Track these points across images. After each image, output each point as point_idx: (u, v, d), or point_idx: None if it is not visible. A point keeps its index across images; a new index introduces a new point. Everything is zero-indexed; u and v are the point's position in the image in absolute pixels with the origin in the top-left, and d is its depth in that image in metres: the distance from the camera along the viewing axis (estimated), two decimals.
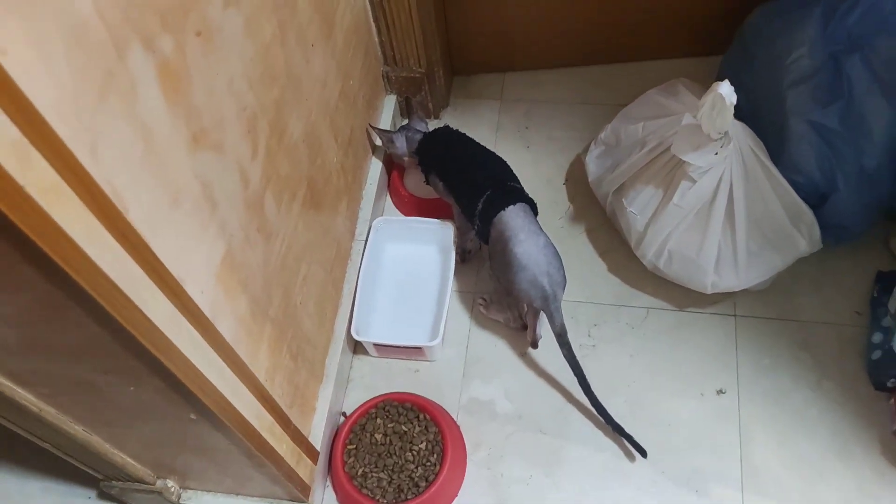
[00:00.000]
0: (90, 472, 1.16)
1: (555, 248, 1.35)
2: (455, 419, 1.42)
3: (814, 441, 1.36)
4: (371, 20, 1.58)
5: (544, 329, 1.45)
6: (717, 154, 1.27)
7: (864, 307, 1.48)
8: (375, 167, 1.66)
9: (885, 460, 1.33)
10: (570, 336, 1.35)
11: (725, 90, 1.12)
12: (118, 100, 0.68)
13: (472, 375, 1.48)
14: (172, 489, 1.24)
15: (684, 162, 1.31)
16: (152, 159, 0.74)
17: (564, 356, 1.35)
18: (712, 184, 1.31)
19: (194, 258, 0.84)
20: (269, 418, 1.06)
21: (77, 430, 0.98)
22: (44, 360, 0.78)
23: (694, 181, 1.31)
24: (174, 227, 0.79)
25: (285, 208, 1.14)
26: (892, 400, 1.37)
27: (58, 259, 0.57)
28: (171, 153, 0.78)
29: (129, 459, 1.12)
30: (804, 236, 1.38)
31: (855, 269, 1.53)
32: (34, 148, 0.53)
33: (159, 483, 1.21)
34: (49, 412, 0.92)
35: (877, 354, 1.39)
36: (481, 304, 1.55)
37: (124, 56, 0.69)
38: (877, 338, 1.41)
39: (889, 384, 1.37)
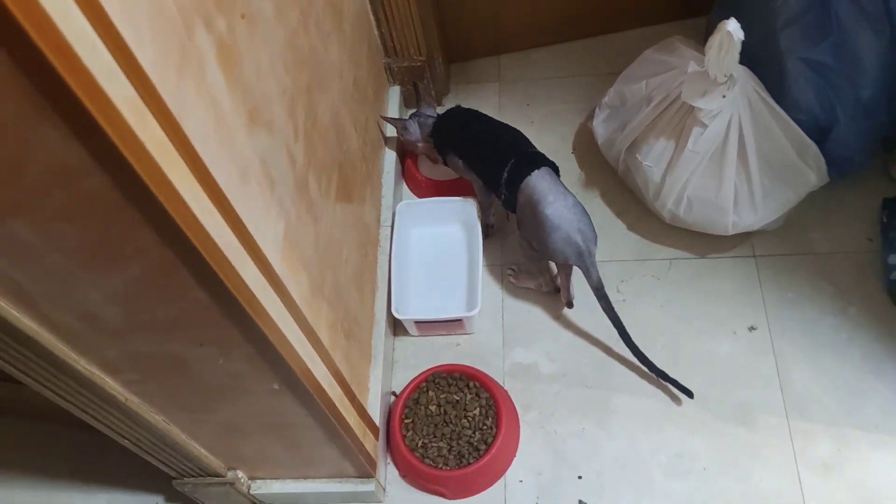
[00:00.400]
0: (165, 468, 1.18)
1: (582, 206, 1.40)
2: (502, 384, 1.46)
3: (847, 363, 1.41)
4: (370, 13, 1.62)
5: (576, 288, 1.49)
6: (724, 97, 1.33)
7: (874, 234, 1.54)
8: (390, 157, 1.70)
9: None
10: None
11: (733, 26, 1.17)
12: (191, 74, 0.72)
13: (512, 342, 1.52)
14: (243, 480, 1.27)
15: (694, 109, 1.36)
16: (222, 133, 0.78)
17: (603, 308, 1.40)
18: (723, 126, 1.36)
19: (266, 233, 0.87)
20: (339, 390, 1.10)
21: (157, 419, 1.01)
22: (142, 339, 0.81)
23: (705, 126, 1.36)
24: (246, 201, 0.82)
25: (324, 191, 1.18)
26: None
27: (177, 218, 0.60)
28: (234, 128, 0.82)
29: (203, 451, 1.15)
30: (812, 169, 1.44)
31: (861, 199, 1.59)
32: (146, 106, 0.57)
33: (230, 475, 1.24)
34: (133, 402, 0.95)
35: (894, 275, 1.45)
36: (511, 275, 1.59)
37: (192, 35, 0.73)
38: (892, 259, 1.47)
39: None
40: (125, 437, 1.05)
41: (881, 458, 1.30)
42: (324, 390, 1.01)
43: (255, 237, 0.80)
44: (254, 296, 0.77)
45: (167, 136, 0.60)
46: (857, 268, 1.52)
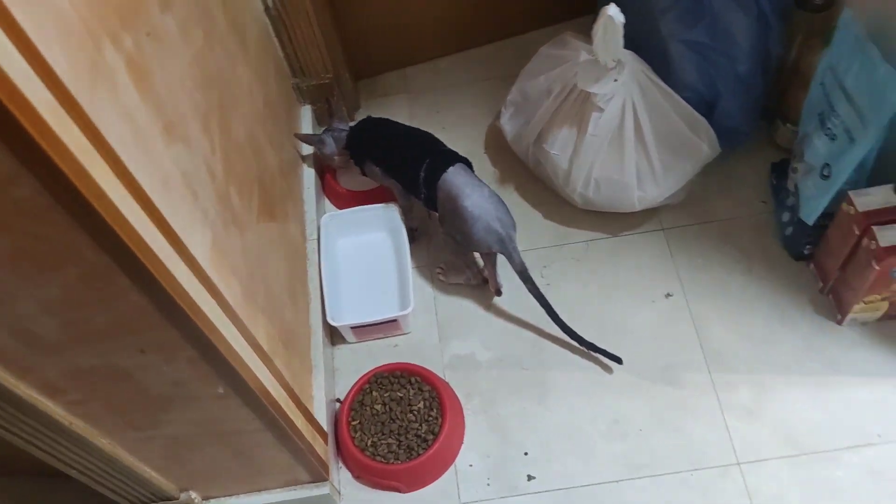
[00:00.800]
0: (116, 497, 1.17)
1: (498, 196, 1.47)
2: (442, 377, 1.51)
3: (757, 316, 1.52)
4: (273, 36, 1.67)
5: (503, 276, 1.56)
6: (616, 81, 1.43)
7: (767, 196, 1.67)
8: (309, 173, 1.74)
9: (819, 315, 1.50)
10: None
11: (613, 11, 1.27)
12: (105, 87, 0.75)
13: (448, 336, 1.57)
14: (196, 500, 1.27)
15: (590, 96, 1.46)
16: (141, 146, 0.81)
17: (529, 290, 1.46)
18: (618, 109, 1.46)
19: (193, 240, 0.90)
20: (284, 393, 1.12)
21: (104, 443, 1.01)
22: (82, 352, 0.82)
23: (602, 110, 1.46)
24: (172, 209, 0.85)
25: (247, 204, 1.21)
26: (812, 265, 1.55)
27: (109, 220, 0.63)
28: (152, 141, 0.84)
29: (153, 473, 1.15)
30: (704, 142, 1.55)
31: (752, 166, 1.72)
32: (65, 112, 0.60)
33: (183, 496, 1.24)
34: (78, 425, 0.95)
35: (789, 230, 1.57)
36: (440, 273, 1.65)
37: (101, 50, 0.76)
38: (785, 217, 1.59)
39: (805, 251, 1.55)
40: (72, 467, 1.04)
41: (797, 397, 1.40)
42: (269, 392, 1.04)
43: (184, 241, 0.83)
44: (189, 296, 0.79)
45: (89, 141, 0.63)
46: (756, 228, 1.63)
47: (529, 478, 1.38)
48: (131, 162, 0.75)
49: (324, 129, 1.71)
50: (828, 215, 1.44)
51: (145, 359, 0.85)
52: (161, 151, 0.87)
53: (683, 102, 1.52)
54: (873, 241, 1.29)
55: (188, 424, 1.04)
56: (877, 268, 1.29)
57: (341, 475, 1.42)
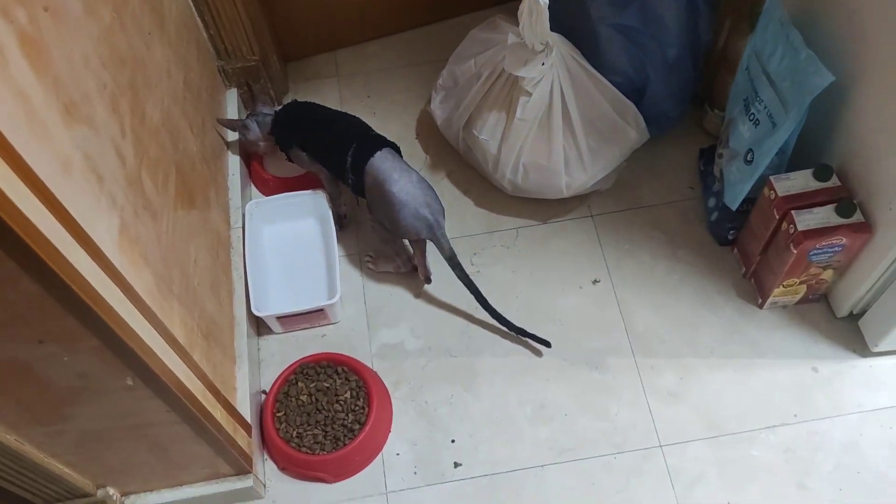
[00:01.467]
0: (29, 496, 1.12)
1: (427, 181, 1.46)
2: (371, 366, 1.49)
3: (682, 300, 1.54)
4: (196, 16, 1.61)
5: (433, 264, 1.55)
6: (543, 64, 1.42)
7: (695, 182, 1.70)
8: (234, 160, 1.69)
9: (741, 299, 1.53)
10: None
11: None
12: None
13: (377, 325, 1.56)
14: (114, 497, 1.23)
15: (518, 79, 1.45)
16: (35, 126, 0.76)
17: (458, 277, 1.46)
18: (546, 93, 1.46)
19: (97, 226, 0.86)
20: (200, 385, 1.09)
21: (9, 439, 0.97)
22: None
23: (530, 94, 1.45)
24: (72, 194, 0.81)
25: (162, 189, 1.16)
26: (735, 249, 1.58)
27: None
28: (49, 121, 0.80)
29: (66, 469, 1.10)
30: (633, 127, 1.56)
31: (681, 152, 1.74)
32: None
33: (100, 493, 1.19)
34: None
35: (714, 216, 1.60)
36: (369, 261, 1.62)
37: None
38: (711, 202, 1.62)
39: (729, 237, 1.58)
40: None
41: (719, 380, 1.44)
42: (183, 384, 1.00)
43: (84, 228, 0.79)
44: (89, 284, 0.75)
45: None
46: (683, 214, 1.66)
47: (456, 465, 1.38)
48: (22, 144, 0.70)
49: (248, 113, 1.66)
50: (751, 200, 1.47)
51: (45, 349, 0.81)
52: (61, 132, 0.83)
53: (612, 87, 1.53)
54: (792, 226, 1.33)
55: (98, 418, 1.00)
56: (794, 251, 1.33)
57: (266, 467, 1.39)
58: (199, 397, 1.06)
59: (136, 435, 1.08)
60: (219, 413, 1.16)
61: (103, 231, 0.88)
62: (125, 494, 1.27)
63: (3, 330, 0.77)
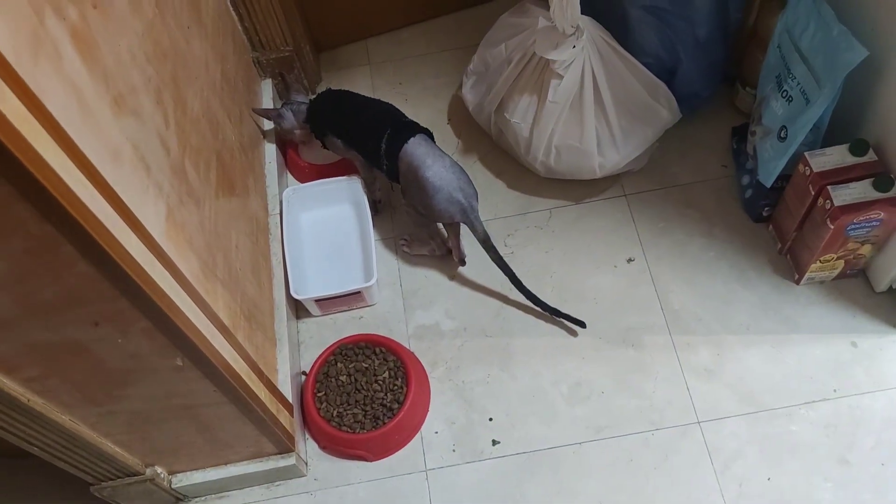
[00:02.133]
0: (80, 474, 1.17)
1: (460, 165, 1.47)
2: (407, 347, 1.52)
3: (716, 277, 1.54)
4: (231, 9, 1.64)
5: (467, 246, 1.57)
6: (574, 47, 1.43)
7: (728, 160, 1.69)
8: (270, 148, 1.72)
9: (777, 276, 1.53)
10: None
11: None
12: (47, 60, 0.74)
13: (413, 307, 1.58)
14: (163, 475, 1.28)
15: (549, 63, 1.46)
16: (88, 117, 0.80)
17: (493, 259, 1.48)
18: (577, 75, 1.47)
19: (146, 212, 0.89)
20: (245, 366, 1.13)
21: (64, 419, 1.01)
22: (35, 326, 0.81)
23: (561, 77, 1.46)
24: (122, 181, 0.84)
25: (204, 177, 1.20)
26: (770, 226, 1.58)
27: (52, 189, 0.62)
28: (99, 113, 0.83)
29: (117, 449, 1.15)
30: (664, 107, 1.56)
31: (713, 131, 1.73)
32: (3, 82, 0.59)
33: (149, 471, 1.24)
34: (37, 402, 0.95)
35: (748, 193, 1.60)
36: (404, 244, 1.65)
37: (43, 21, 0.74)
38: (745, 180, 1.61)
39: (764, 213, 1.57)
40: (33, 444, 1.04)
41: (754, 356, 1.44)
42: (229, 364, 1.04)
43: (135, 213, 0.82)
44: (141, 267, 0.79)
45: (29, 110, 0.63)
46: (717, 192, 1.66)
47: (494, 442, 1.40)
48: (76, 133, 0.74)
49: (283, 102, 1.70)
50: (785, 177, 1.46)
51: (100, 331, 0.85)
52: (110, 124, 0.86)
53: (643, 68, 1.53)
54: (828, 201, 1.32)
55: (149, 398, 1.04)
56: (831, 227, 1.32)
57: (308, 446, 1.43)
58: (244, 377, 1.10)
59: (183, 415, 1.12)
60: (262, 393, 1.19)
61: (151, 217, 0.92)
62: (172, 473, 1.32)
63: (62, 313, 0.81)
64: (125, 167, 0.87)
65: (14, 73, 0.62)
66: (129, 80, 0.94)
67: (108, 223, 0.73)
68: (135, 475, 1.23)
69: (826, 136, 1.41)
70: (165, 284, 0.86)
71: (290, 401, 1.37)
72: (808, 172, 1.36)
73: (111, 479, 1.22)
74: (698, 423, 1.38)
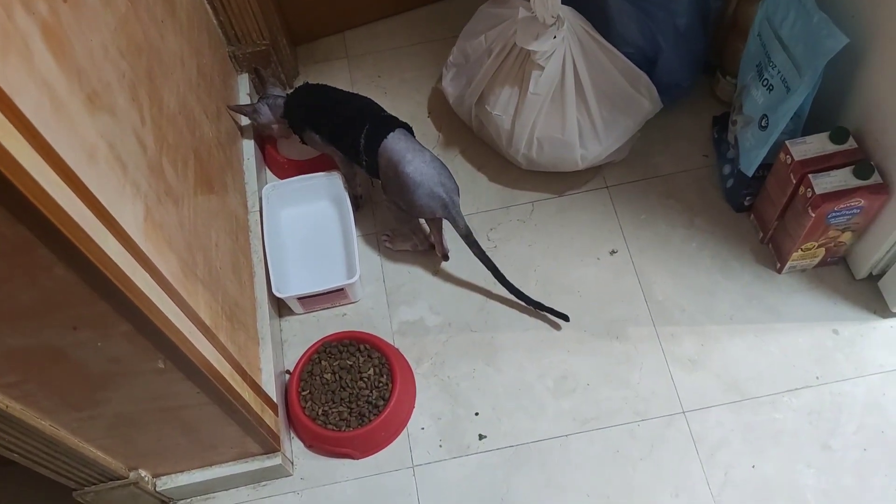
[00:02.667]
0: (63, 479, 1.15)
1: (440, 160, 1.46)
2: (392, 343, 1.51)
3: (699, 268, 1.55)
4: (206, 3, 1.61)
5: (450, 241, 1.56)
6: (555, 37, 1.42)
7: (709, 150, 1.70)
8: (248, 145, 1.70)
9: (759, 265, 1.54)
10: None
11: None
12: (18, 57, 0.71)
13: (397, 303, 1.57)
14: (147, 478, 1.26)
15: (530, 54, 1.45)
16: (61, 116, 0.78)
17: (475, 254, 1.47)
18: (558, 66, 1.46)
19: (123, 212, 0.87)
20: (228, 366, 1.11)
21: (44, 425, 0.99)
22: (12, 331, 0.79)
23: (542, 68, 1.45)
24: (98, 181, 0.82)
25: (182, 175, 1.18)
26: (752, 216, 1.58)
27: (25, 191, 0.60)
28: (73, 111, 0.81)
29: (99, 453, 1.13)
30: (645, 97, 1.56)
31: (693, 121, 1.74)
32: None
33: (133, 475, 1.22)
34: (15, 408, 0.93)
35: (730, 183, 1.60)
36: (386, 240, 1.64)
37: (11, 16, 0.72)
38: (726, 170, 1.62)
39: (746, 203, 1.58)
40: (13, 451, 1.02)
41: (738, 346, 1.44)
42: (212, 365, 1.02)
43: (113, 215, 0.80)
44: (120, 270, 0.77)
45: (0, 111, 0.60)
46: (698, 182, 1.66)
47: (481, 437, 1.39)
48: (50, 133, 0.72)
49: (259, 98, 1.67)
50: (766, 166, 1.47)
51: (79, 336, 0.83)
52: (85, 122, 0.84)
53: (624, 58, 1.53)
54: (809, 189, 1.32)
55: (131, 402, 1.02)
56: (813, 215, 1.33)
57: (294, 445, 1.42)
58: (227, 378, 1.08)
59: (167, 417, 1.10)
60: (246, 393, 1.18)
61: (129, 218, 0.90)
62: (157, 476, 1.30)
63: (39, 317, 0.79)
64: (101, 166, 0.84)
65: None
66: (102, 77, 0.92)
67: (85, 225, 0.71)
68: (118, 479, 1.21)
69: (806, 125, 1.42)
70: (145, 286, 0.84)
71: (275, 400, 1.36)
72: (789, 161, 1.36)
73: (94, 484, 1.20)
74: (683, 412, 1.39)
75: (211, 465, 1.30)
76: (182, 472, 1.29)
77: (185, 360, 0.95)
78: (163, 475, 1.29)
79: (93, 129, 0.86)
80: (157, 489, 1.29)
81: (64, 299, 0.77)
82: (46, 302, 0.77)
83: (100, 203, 0.77)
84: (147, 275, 0.86)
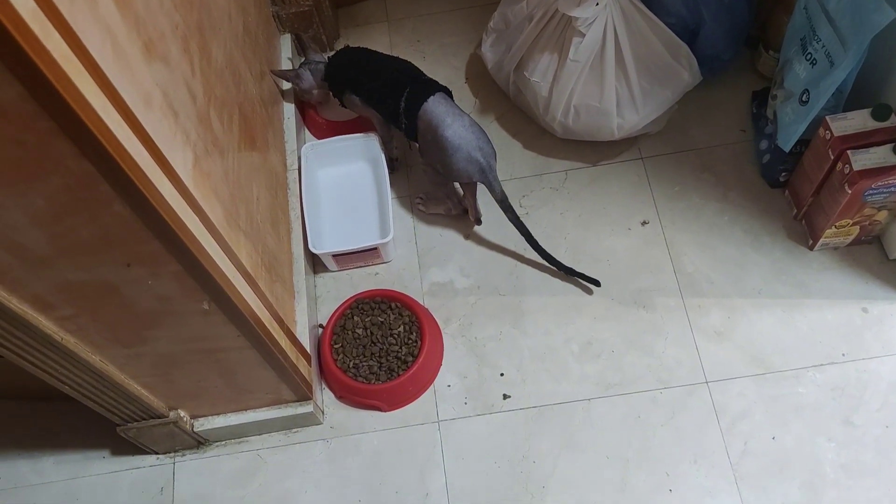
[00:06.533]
0: (108, 414, 1.21)
1: (479, 125, 1.48)
2: (422, 303, 1.54)
3: (730, 242, 1.55)
4: None
5: (483, 206, 1.58)
6: (598, 4, 1.42)
7: (747, 124, 1.69)
8: (289, 107, 1.73)
9: (791, 241, 1.54)
10: None
11: None
12: (84, 2, 0.74)
13: (428, 265, 1.60)
14: (185, 419, 1.31)
15: (572, 20, 1.46)
16: (121, 61, 0.81)
17: (509, 219, 1.49)
18: (599, 33, 1.47)
19: (175, 158, 0.91)
20: (267, 313, 1.15)
21: (95, 359, 1.04)
22: (69, 265, 0.84)
23: (583, 35, 1.46)
24: (153, 127, 0.86)
25: (227, 128, 1.21)
26: (786, 191, 1.58)
27: (92, 127, 0.64)
28: (132, 57, 0.84)
29: (142, 390, 1.18)
30: (685, 68, 1.56)
31: (732, 95, 1.73)
32: (48, 20, 0.60)
33: (172, 414, 1.28)
34: (69, 341, 0.98)
35: (766, 158, 1.60)
36: (419, 203, 1.66)
37: None
38: (763, 145, 1.62)
39: (781, 178, 1.58)
40: (65, 383, 1.07)
41: (765, 319, 1.46)
42: (253, 310, 1.06)
43: (167, 158, 0.84)
44: (173, 210, 0.81)
45: (71, 50, 0.64)
46: (734, 157, 1.66)
47: (505, 397, 1.43)
48: (112, 76, 0.75)
49: (301, 62, 1.70)
50: (804, 142, 1.46)
51: (132, 273, 0.87)
52: (142, 69, 0.87)
53: (666, 28, 1.52)
54: (847, 166, 1.32)
55: (175, 341, 1.07)
56: (849, 191, 1.33)
57: (325, 396, 1.46)
58: (266, 324, 1.13)
59: (208, 359, 1.15)
60: (283, 341, 1.22)
61: (180, 164, 0.93)
62: (195, 417, 1.35)
63: (96, 253, 0.84)
64: (155, 112, 0.88)
65: (57, 13, 0.63)
66: (158, 26, 0.95)
67: (143, 165, 0.75)
68: (159, 417, 1.27)
69: (848, 100, 1.41)
70: (195, 229, 0.88)
71: (309, 351, 1.40)
72: (828, 136, 1.36)
73: (136, 421, 1.26)
74: (706, 382, 1.41)
75: (246, 410, 1.35)
76: (218, 414, 1.35)
77: (229, 304, 0.99)
78: (200, 417, 1.35)
79: (149, 75, 0.89)
80: (195, 430, 1.34)
81: (120, 236, 0.81)
82: (104, 238, 0.81)
83: (156, 146, 0.80)
84: (196, 218, 0.90)
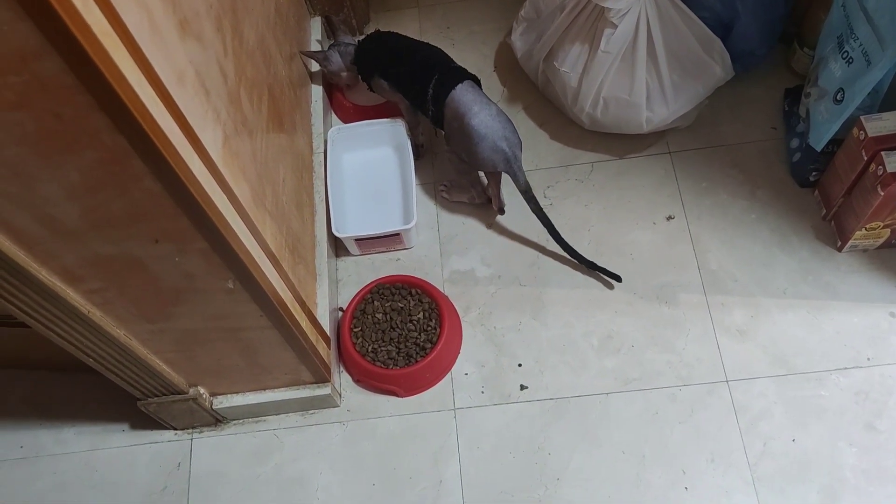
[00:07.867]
0: (129, 388, 1.22)
1: (505, 114, 1.47)
2: (442, 291, 1.54)
3: (757, 240, 1.54)
4: None
5: (506, 196, 1.58)
6: None
7: (778, 122, 1.67)
8: (316, 89, 1.73)
9: (819, 241, 1.52)
10: None
11: None
12: None
13: (449, 252, 1.60)
14: (205, 396, 1.33)
15: (604, 12, 1.44)
16: (157, 38, 0.81)
17: (532, 210, 1.48)
18: (631, 25, 1.45)
19: (206, 136, 0.91)
20: (289, 294, 1.16)
21: (119, 333, 1.05)
22: (99, 239, 0.85)
23: (615, 26, 1.44)
24: (186, 104, 0.86)
25: (256, 109, 1.21)
26: (816, 191, 1.56)
27: (128, 102, 0.64)
28: (167, 34, 0.85)
29: (164, 366, 1.19)
30: (718, 63, 1.54)
31: (765, 91, 1.71)
32: None
33: (192, 391, 1.29)
34: (95, 314, 0.99)
35: (797, 157, 1.58)
36: (443, 191, 1.66)
37: None
38: (794, 143, 1.59)
39: (811, 178, 1.56)
40: (89, 355, 1.09)
41: (789, 320, 1.44)
42: (276, 291, 1.07)
43: (198, 135, 0.84)
44: (202, 187, 0.81)
45: (110, 25, 0.64)
46: (764, 154, 1.64)
47: (522, 387, 1.43)
48: (148, 52, 0.75)
49: (330, 44, 1.70)
50: (836, 142, 1.44)
51: (159, 249, 0.88)
52: (176, 46, 0.88)
53: (699, 21, 1.50)
54: (881, 167, 1.30)
55: (199, 318, 1.07)
56: (881, 193, 1.31)
57: (342, 379, 1.47)
58: (288, 305, 1.13)
59: (229, 337, 1.16)
60: (304, 322, 1.23)
61: (210, 142, 0.93)
62: (214, 395, 1.36)
63: (126, 227, 0.84)
64: (188, 90, 0.88)
65: None
66: (193, 5, 0.95)
67: (175, 141, 0.75)
68: (179, 393, 1.28)
69: (884, 101, 1.38)
70: (223, 207, 0.88)
71: (328, 334, 1.41)
72: (862, 137, 1.34)
73: (157, 396, 1.27)
74: (727, 381, 1.40)
75: (265, 389, 1.36)
76: (237, 393, 1.36)
77: (253, 283, 0.99)
78: (219, 394, 1.36)
79: (183, 53, 0.89)
80: (213, 407, 1.35)
81: (150, 211, 0.82)
82: (134, 213, 0.81)
83: (188, 123, 0.80)
84: (225, 197, 0.90)
